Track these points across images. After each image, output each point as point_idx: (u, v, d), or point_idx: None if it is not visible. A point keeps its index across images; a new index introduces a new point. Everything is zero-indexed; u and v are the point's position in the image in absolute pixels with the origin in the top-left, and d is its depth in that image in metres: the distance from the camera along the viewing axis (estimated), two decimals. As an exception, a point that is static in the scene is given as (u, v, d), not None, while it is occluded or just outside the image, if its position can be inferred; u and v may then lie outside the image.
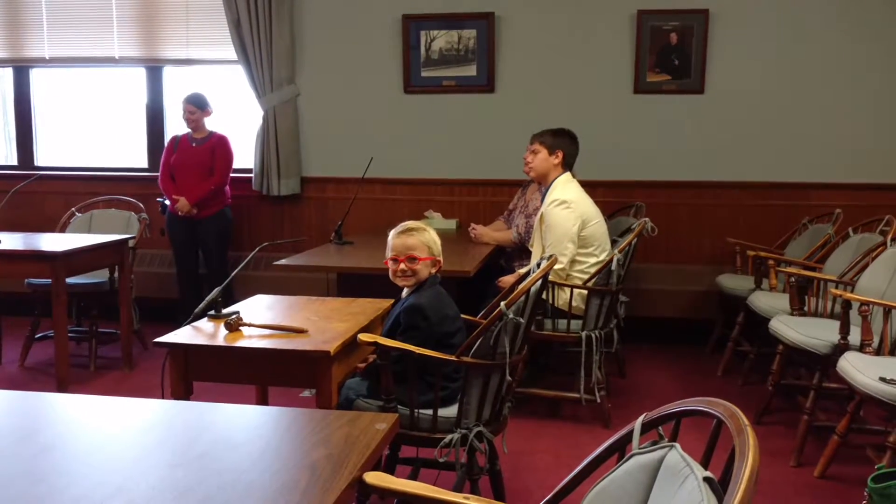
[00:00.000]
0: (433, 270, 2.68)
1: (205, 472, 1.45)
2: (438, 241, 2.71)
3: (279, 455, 1.55)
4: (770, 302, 4.04)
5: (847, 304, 3.22)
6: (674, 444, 1.26)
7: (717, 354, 4.75)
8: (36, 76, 5.99)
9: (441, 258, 2.70)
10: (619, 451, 1.41)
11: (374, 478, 1.46)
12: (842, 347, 3.18)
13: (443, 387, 2.49)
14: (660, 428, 1.35)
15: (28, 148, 6.02)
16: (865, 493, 2.28)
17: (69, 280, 4.25)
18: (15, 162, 6.06)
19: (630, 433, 1.37)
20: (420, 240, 2.65)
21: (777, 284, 4.17)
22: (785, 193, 5.10)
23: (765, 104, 5.06)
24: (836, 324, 3.27)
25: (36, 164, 6.02)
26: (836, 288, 3.57)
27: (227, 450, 1.56)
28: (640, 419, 1.38)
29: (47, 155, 6.08)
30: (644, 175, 5.19)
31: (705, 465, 1.19)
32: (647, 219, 3.92)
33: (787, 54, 5.01)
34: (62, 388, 4.09)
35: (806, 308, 3.80)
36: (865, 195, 4.97)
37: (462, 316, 2.75)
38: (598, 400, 3.74)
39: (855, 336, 3.19)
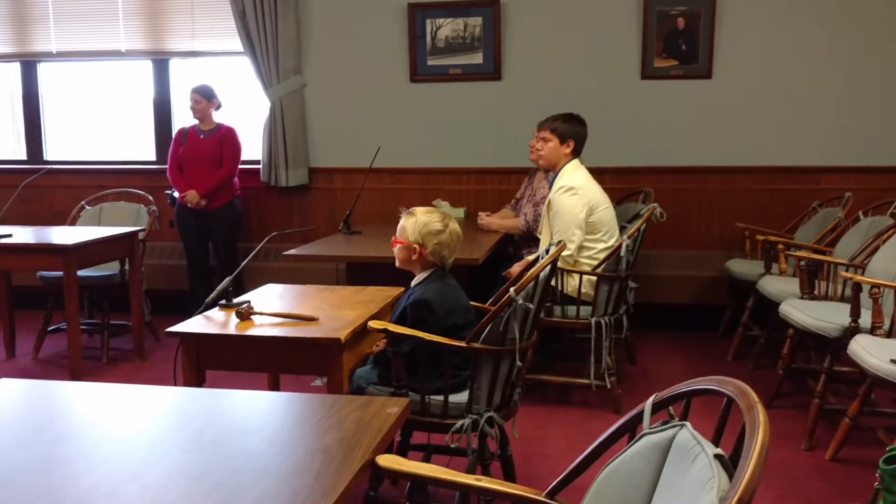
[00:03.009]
0: (414, 258, 2.61)
1: (218, 457, 1.46)
2: (426, 227, 2.58)
3: (291, 439, 1.57)
4: (780, 286, 4.03)
5: (858, 287, 3.21)
6: (684, 423, 1.27)
7: (727, 339, 4.75)
8: (43, 70, 6.01)
9: (421, 246, 2.58)
10: (630, 431, 1.42)
11: (387, 460, 1.47)
12: (852, 330, 3.17)
13: (453, 375, 2.49)
14: (670, 408, 1.35)
15: (37, 142, 6.05)
16: (877, 475, 2.28)
17: (80, 273, 4.28)
18: (24, 156, 6.08)
19: (641, 413, 1.38)
20: (403, 223, 2.64)
21: (787, 268, 4.16)
22: (794, 177, 5.08)
23: (773, 88, 5.03)
24: (847, 307, 3.26)
25: (45, 158, 6.05)
26: (847, 271, 3.55)
27: (239, 435, 1.58)
28: (651, 399, 1.38)
29: (56, 149, 6.10)
30: (652, 161, 5.17)
31: (716, 444, 1.19)
32: (655, 204, 3.91)
33: (796, 38, 4.98)
34: (75, 379, 4.12)
35: (816, 292, 3.79)
36: (876, 178, 4.94)
37: (472, 304, 2.75)
38: (609, 386, 3.74)
39: (866, 319, 3.18)
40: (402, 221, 2.66)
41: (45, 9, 5.73)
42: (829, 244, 4.25)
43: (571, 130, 3.97)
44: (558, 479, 1.53)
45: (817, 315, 3.38)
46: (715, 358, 4.61)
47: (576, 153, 4.00)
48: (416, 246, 2.60)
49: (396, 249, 2.67)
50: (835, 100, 5.00)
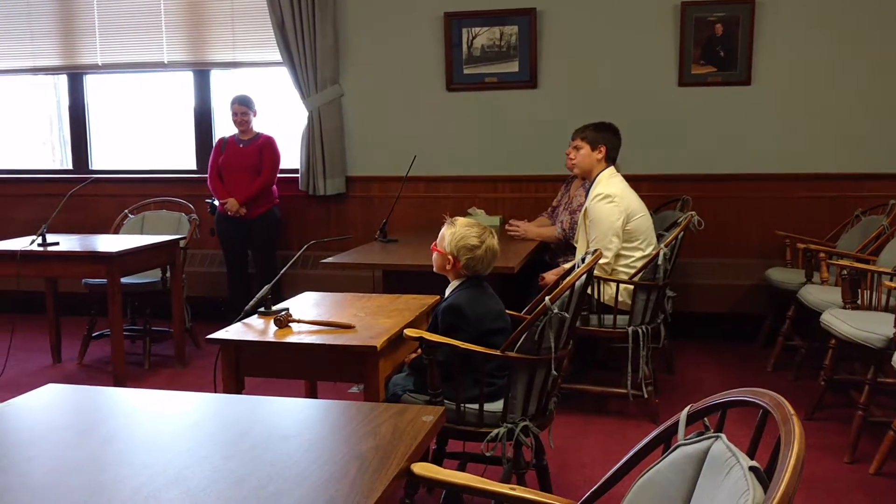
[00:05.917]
0: (448, 267, 2.66)
1: (257, 462, 1.49)
2: (462, 241, 2.61)
3: (328, 446, 1.59)
4: (821, 295, 3.96)
5: (902, 297, 3.15)
6: (719, 434, 1.26)
7: (767, 350, 4.68)
8: (89, 82, 6.16)
9: (456, 257, 2.62)
10: (665, 442, 1.41)
11: (422, 468, 1.48)
12: (897, 341, 3.11)
13: (488, 383, 2.50)
14: (705, 419, 1.35)
15: (83, 152, 6.21)
16: (922, 489, 2.23)
17: (123, 280, 4.38)
18: (70, 166, 6.25)
19: (675, 425, 1.37)
20: (444, 232, 2.68)
21: (828, 277, 4.09)
22: (836, 185, 4.99)
23: (813, 94, 4.96)
24: (891, 317, 3.19)
25: (90, 168, 6.20)
26: (891, 280, 3.48)
27: (277, 441, 1.60)
28: (686, 410, 1.38)
29: (101, 159, 6.26)
30: (690, 168, 5.13)
31: (751, 456, 1.19)
32: (693, 212, 3.88)
33: (836, 43, 4.90)
34: (119, 384, 4.21)
35: (859, 301, 3.72)
36: (921, 185, 4.84)
37: (507, 311, 2.76)
38: (646, 396, 3.71)
39: (910, 329, 3.11)
40: (443, 229, 2.70)
41: (91, 22, 5.89)
42: (873, 253, 4.17)
43: (601, 137, 3.97)
44: (592, 489, 1.53)
45: (860, 325, 3.32)
46: (754, 368, 4.54)
47: (609, 160, 3.98)
48: (450, 257, 2.64)
49: (434, 255, 2.72)
50: (877, 105, 4.90)
